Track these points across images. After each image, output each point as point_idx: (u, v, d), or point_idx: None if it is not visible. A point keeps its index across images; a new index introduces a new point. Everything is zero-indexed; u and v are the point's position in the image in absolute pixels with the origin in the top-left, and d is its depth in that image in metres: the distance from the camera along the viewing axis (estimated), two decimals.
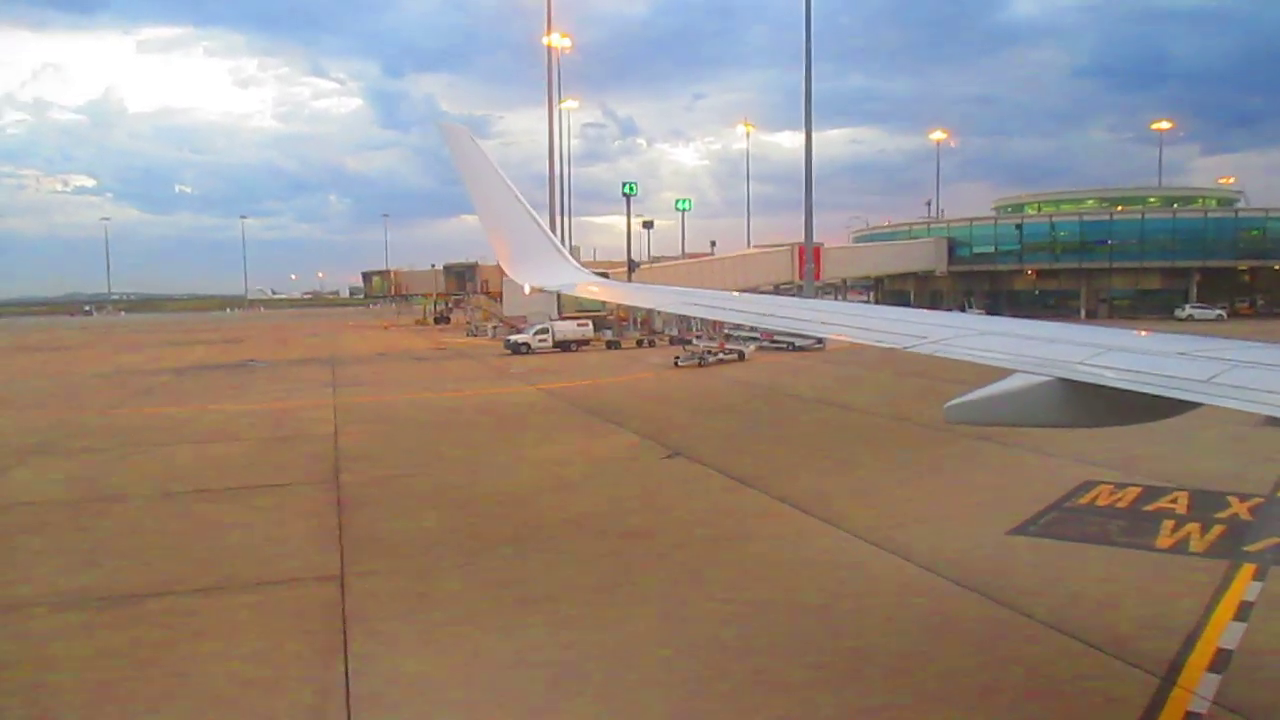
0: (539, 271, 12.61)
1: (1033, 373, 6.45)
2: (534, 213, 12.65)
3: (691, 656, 11.06)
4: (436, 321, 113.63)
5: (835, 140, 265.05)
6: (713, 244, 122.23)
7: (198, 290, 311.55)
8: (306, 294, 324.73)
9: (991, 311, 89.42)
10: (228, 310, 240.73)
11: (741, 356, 50.81)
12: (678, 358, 49.59)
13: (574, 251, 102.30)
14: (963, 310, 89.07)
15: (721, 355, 50.04)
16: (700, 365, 48.19)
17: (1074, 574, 13.96)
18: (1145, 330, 7.53)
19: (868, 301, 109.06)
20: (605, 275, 61.51)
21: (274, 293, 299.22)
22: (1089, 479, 19.63)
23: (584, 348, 61.21)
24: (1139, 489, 18.90)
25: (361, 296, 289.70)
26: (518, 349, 59.51)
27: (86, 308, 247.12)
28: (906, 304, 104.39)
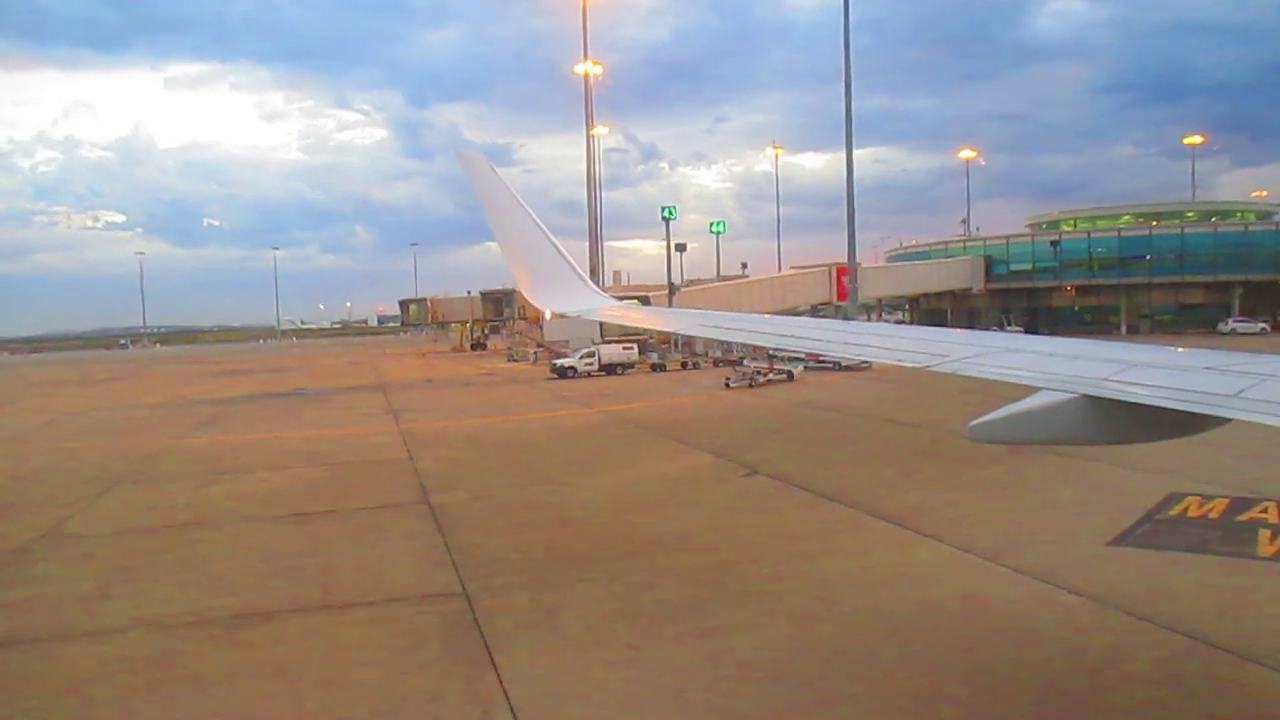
0: (559, 297, 12.71)
1: (1057, 390, 6.43)
2: (554, 238, 12.76)
3: (832, 666, 11.40)
4: (473, 348, 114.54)
5: (858, 160, 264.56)
6: (744, 266, 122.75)
7: (227, 322, 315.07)
8: (335, 324, 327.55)
9: (1030, 329, 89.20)
10: (261, 341, 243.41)
11: (790, 377, 51.10)
12: (728, 379, 49.95)
13: (615, 276, 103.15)
14: (1001, 328, 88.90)
15: (771, 376, 50.36)
16: (751, 386, 48.52)
17: (1185, 582, 14.15)
18: (1183, 346, 7.53)
19: (903, 321, 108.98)
20: (646, 299, 62.16)
21: (303, 323, 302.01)
22: (1173, 491, 19.75)
23: (629, 371, 61.70)
24: (1227, 500, 19.00)
25: (390, 324, 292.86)
26: (564, 373, 60.07)
27: (122, 341, 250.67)
28: (943, 323, 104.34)
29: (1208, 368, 6.40)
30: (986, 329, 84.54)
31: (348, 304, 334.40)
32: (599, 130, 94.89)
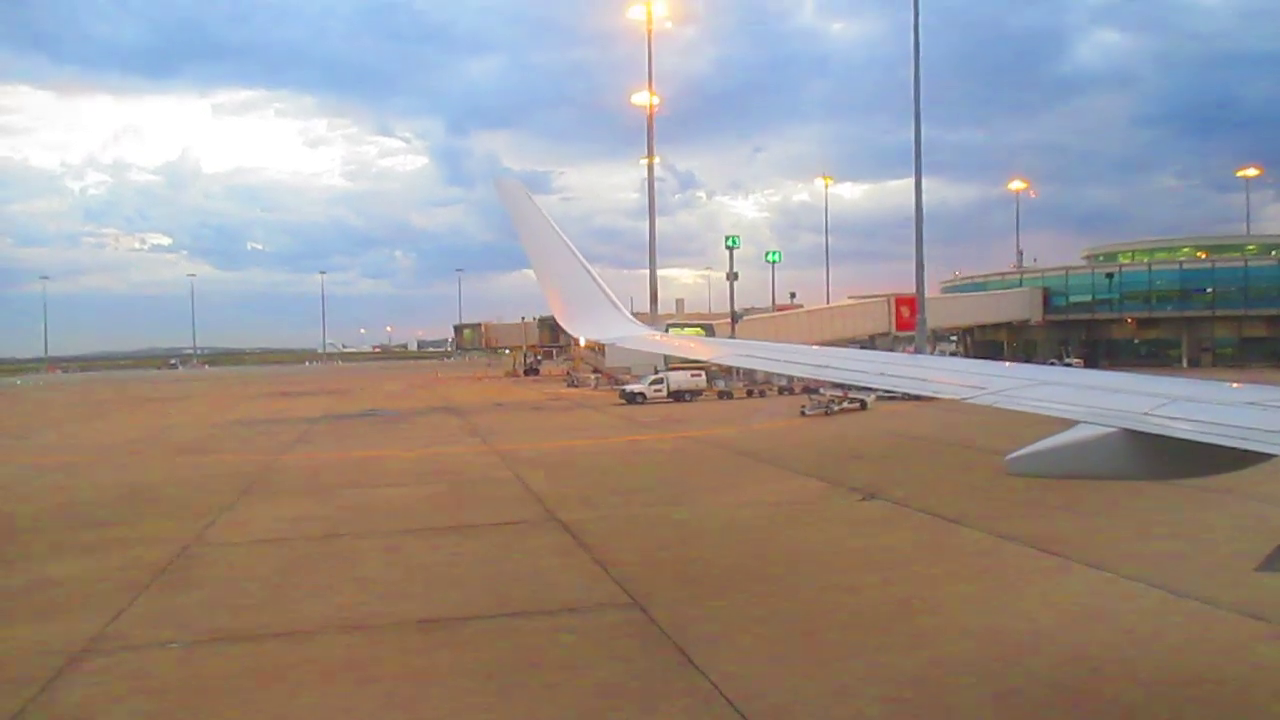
0: (593, 324, 12.78)
1: (1097, 424, 6.35)
2: (589, 266, 12.84)
3: (1017, 674, 11.83)
4: (526, 373, 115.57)
5: (896, 191, 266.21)
6: (792, 295, 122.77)
7: (269, 344, 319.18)
8: (375, 348, 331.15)
9: (1089, 362, 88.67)
10: (306, 363, 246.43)
11: (863, 405, 51.32)
12: (804, 407, 50.28)
13: (678, 305, 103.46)
14: (1060, 360, 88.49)
15: (845, 404, 50.66)
16: (827, 414, 48.87)
17: None
18: (1237, 382, 7.45)
19: (956, 352, 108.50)
20: (711, 328, 62.98)
21: (344, 346, 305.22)
22: None
23: (697, 398, 62.22)
24: None
25: (431, 349, 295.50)
26: (633, 398, 60.73)
27: (172, 361, 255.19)
28: (999, 354, 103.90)
29: (1250, 403, 6.34)
30: (1045, 361, 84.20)
31: (388, 328, 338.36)
32: (650, 160, 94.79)
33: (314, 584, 17.51)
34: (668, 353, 37.51)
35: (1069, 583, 16.17)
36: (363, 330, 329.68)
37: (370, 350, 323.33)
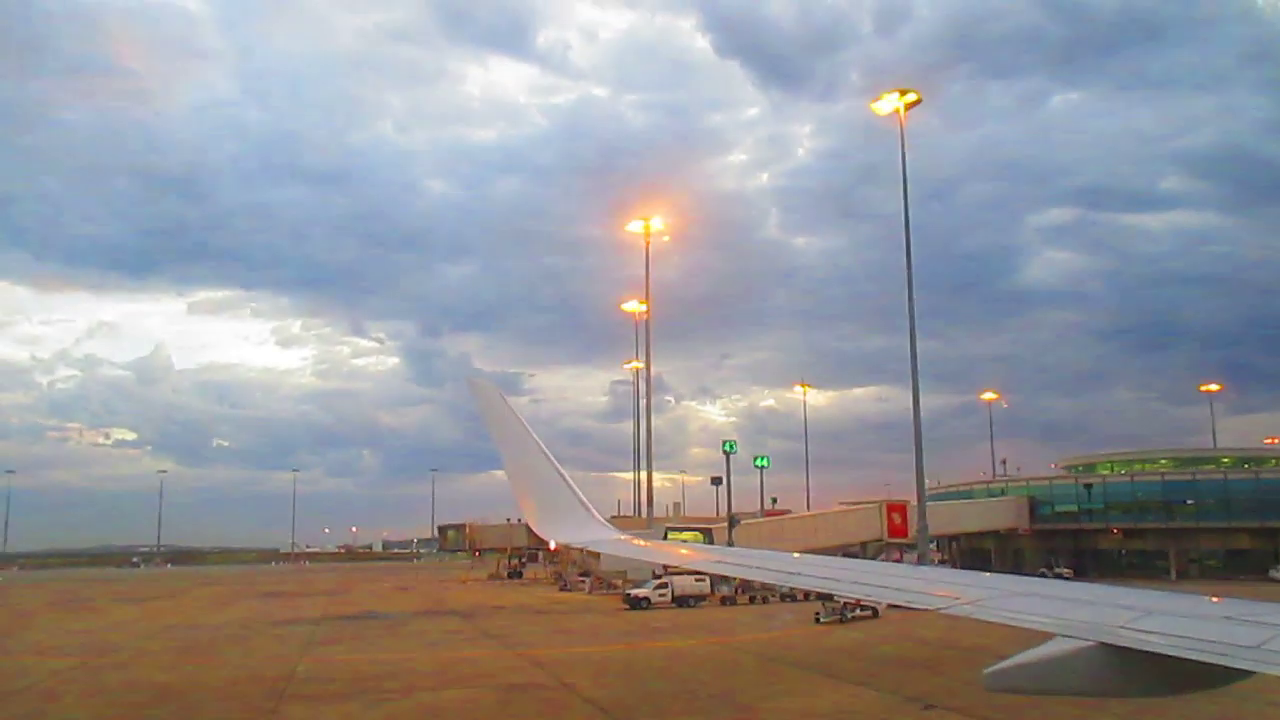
0: (566, 528, 12.91)
1: (1074, 636, 6.19)
2: (561, 469, 13.02)
3: None
4: (510, 576, 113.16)
5: (861, 399, 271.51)
6: (774, 500, 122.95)
7: (230, 543, 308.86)
8: (340, 548, 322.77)
9: (1078, 571, 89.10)
10: (273, 564, 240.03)
11: (875, 614, 51.02)
12: (819, 614, 49.99)
13: (675, 508, 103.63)
14: (1050, 569, 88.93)
15: (858, 612, 50.40)
16: (842, 621, 48.56)
17: None
18: (1216, 596, 7.33)
19: (945, 561, 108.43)
20: (709, 531, 63.06)
21: (307, 546, 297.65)
22: None
23: (700, 603, 61.64)
24: None
25: (398, 550, 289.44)
26: (637, 604, 59.97)
27: (134, 560, 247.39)
28: (987, 563, 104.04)
29: (1227, 617, 6.28)
30: (1035, 571, 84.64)
31: (353, 529, 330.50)
32: (635, 364, 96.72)
33: None
34: (647, 559, 37.43)
35: None
36: (326, 530, 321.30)
37: (335, 551, 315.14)
